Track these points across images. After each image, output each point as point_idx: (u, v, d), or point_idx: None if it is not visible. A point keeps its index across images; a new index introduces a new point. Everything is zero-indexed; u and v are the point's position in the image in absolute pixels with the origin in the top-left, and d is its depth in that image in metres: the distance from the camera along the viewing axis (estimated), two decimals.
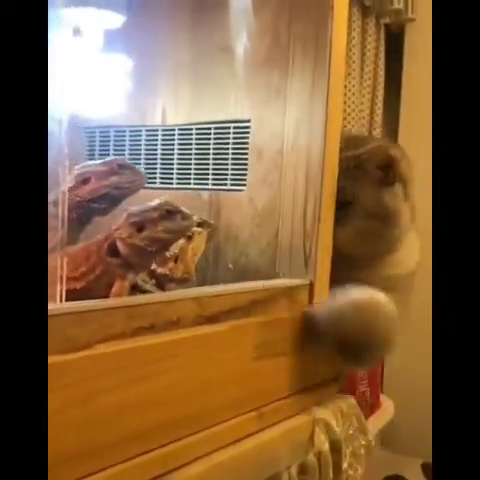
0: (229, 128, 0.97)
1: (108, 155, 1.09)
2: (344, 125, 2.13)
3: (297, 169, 0.90)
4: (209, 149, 0.99)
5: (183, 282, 0.77)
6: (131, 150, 1.07)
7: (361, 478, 0.89)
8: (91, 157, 1.11)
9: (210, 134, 0.99)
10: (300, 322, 0.83)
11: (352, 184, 0.93)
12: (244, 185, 0.95)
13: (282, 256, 0.91)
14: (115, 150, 1.08)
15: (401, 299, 0.90)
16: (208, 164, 0.99)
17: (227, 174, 0.97)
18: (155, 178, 1.05)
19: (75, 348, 0.56)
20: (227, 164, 0.97)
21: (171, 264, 0.77)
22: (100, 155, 1.10)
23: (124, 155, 1.07)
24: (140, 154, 1.06)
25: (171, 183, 1.03)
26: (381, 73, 2.19)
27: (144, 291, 0.73)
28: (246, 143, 0.95)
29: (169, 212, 0.67)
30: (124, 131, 1.07)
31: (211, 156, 0.99)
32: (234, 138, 0.96)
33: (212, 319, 0.71)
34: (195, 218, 0.71)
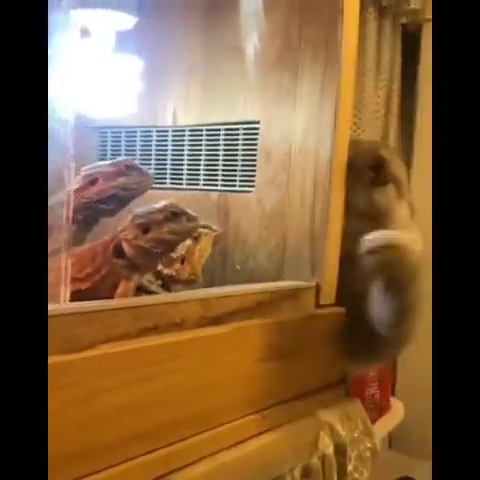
0: (239, 129, 0.97)
1: (119, 155, 1.09)
2: (358, 126, 2.13)
3: (305, 171, 0.90)
4: (219, 150, 0.99)
5: (189, 283, 0.78)
6: (142, 150, 1.08)
7: None
8: (103, 157, 1.12)
9: (220, 135, 0.99)
10: (306, 324, 0.83)
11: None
12: (253, 186, 0.96)
13: (290, 258, 0.91)
14: (126, 150, 1.09)
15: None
16: (217, 165, 0.99)
17: (236, 175, 0.97)
18: (165, 178, 1.05)
19: (78, 348, 0.56)
20: (236, 165, 0.97)
21: (177, 265, 0.77)
22: (112, 155, 1.11)
23: (135, 155, 1.08)
24: (150, 154, 1.07)
25: (181, 183, 1.04)
26: (397, 74, 2.17)
27: (150, 292, 0.73)
28: (255, 144, 0.96)
29: (174, 214, 0.68)
30: (135, 132, 1.08)
31: (221, 157, 0.99)
32: (244, 139, 0.97)
33: (216, 321, 0.71)
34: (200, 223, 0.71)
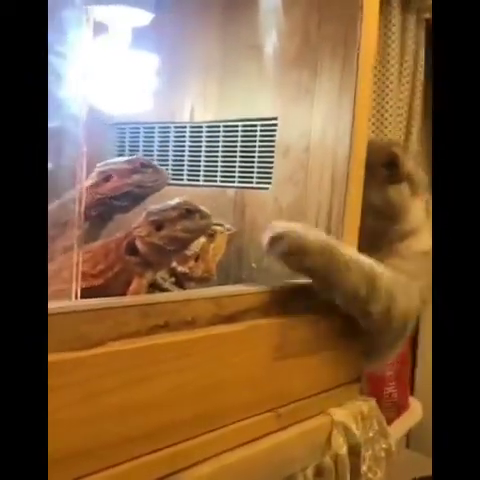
0: (256, 126, 0.97)
1: (137, 151, 1.10)
2: (381, 122, 2.11)
3: (323, 169, 0.89)
4: (236, 146, 0.99)
5: (203, 281, 0.78)
6: (160, 147, 1.08)
7: None
8: (121, 153, 1.12)
9: (237, 131, 0.99)
10: (320, 322, 0.82)
11: None
12: (270, 183, 0.95)
13: None
14: (144, 146, 1.09)
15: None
16: (235, 161, 0.99)
17: (253, 172, 0.97)
18: (182, 175, 1.05)
19: (88, 345, 0.56)
20: (253, 162, 0.97)
21: (191, 263, 0.77)
22: (130, 151, 1.11)
23: (153, 151, 1.08)
24: (168, 151, 1.07)
25: (198, 180, 1.03)
26: (421, 69, 2.15)
27: (163, 289, 0.74)
28: (273, 141, 0.95)
29: (188, 211, 0.67)
30: (153, 128, 1.08)
31: (238, 154, 0.99)
32: (261, 136, 0.96)
33: (230, 319, 0.71)
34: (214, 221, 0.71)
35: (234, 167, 0.99)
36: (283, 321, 0.76)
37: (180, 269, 0.77)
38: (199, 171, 1.03)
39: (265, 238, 0.78)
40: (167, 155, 1.07)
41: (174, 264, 0.78)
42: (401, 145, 1.06)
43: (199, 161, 1.03)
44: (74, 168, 0.61)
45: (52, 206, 0.65)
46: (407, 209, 0.95)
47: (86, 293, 0.65)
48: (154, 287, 0.73)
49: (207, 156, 1.02)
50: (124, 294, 0.66)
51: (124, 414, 0.59)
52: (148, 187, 0.76)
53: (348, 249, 0.83)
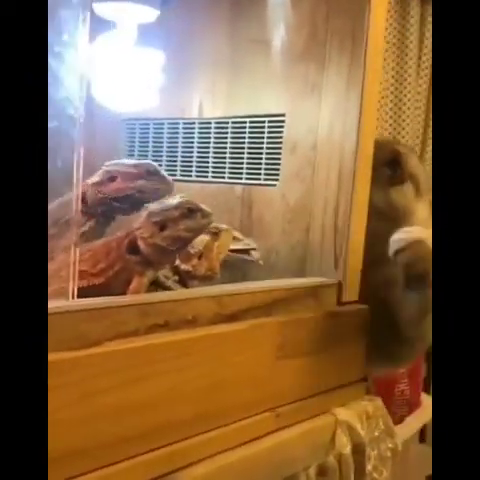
0: (264, 122, 0.96)
1: (147, 147, 1.10)
2: (399, 115, 2.09)
3: (330, 165, 0.88)
4: (244, 143, 0.98)
5: (206, 279, 0.77)
6: (169, 142, 1.07)
7: None
8: (131, 149, 1.12)
9: (245, 128, 0.98)
10: (325, 322, 0.82)
11: None
12: (277, 180, 0.95)
13: (313, 254, 0.90)
14: (154, 142, 1.09)
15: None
16: (242, 158, 0.99)
17: (261, 169, 0.97)
18: (191, 171, 1.05)
19: (86, 345, 0.57)
20: (261, 158, 0.97)
21: (195, 261, 0.77)
22: (140, 147, 1.11)
23: (162, 147, 1.08)
24: (177, 147, 1.07)
25: (206, 176, 1.03)
26: None
27: (165, 287, 0.73)
28: (280, 138, 0.94)
29: (190, 210, 0.67)
30: (163, 124, 1.08)
31: (246, 150, 0.98)
32: (269, 132, 0.96)
33: (231, 318, 0.71)
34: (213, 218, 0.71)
35: (242, 164, 0.99)
36: (286, 320, 0.76)
37: (183, 267, 0.77)
38: (207, 167, 1.03)
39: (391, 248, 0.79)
40: (176, 151, 1.07)
41: (177, 262, 0.78)
42: (405, 144, 1.04)
43: (207, 157, 1.03)
44: (68, 169, 0.60)
45: (52, 205, 0.65)
46: (411, 211, 0.93)
47: (87, 292, 0.65)
48: (156, 285, 0.73)
49: (215, 152, 1.02)
50: (125, 293, 0.66)
51: (121, 413, 0.59)
52: (149, 194, 0.76)
53: None
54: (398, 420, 1.42)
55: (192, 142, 1.05)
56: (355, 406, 0.85)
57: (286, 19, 0.93)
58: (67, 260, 0.60)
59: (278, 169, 0.95)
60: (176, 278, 0.77)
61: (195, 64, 1.04)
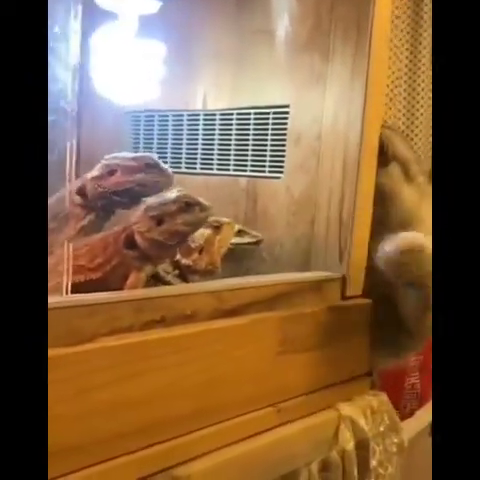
0: (269, 113, 0.95)
1: (152, 139, 1.09)
2: (412, 105, 2.06)
3: (335, 156, 0.87)
4: (249, 135, 0.97)
5: (207, 274, 0.77)
6: (174, 135, 1.07)
7: (391, 477, 0.87)
8: (136, 140, 1.12)
9: (250, 119, 0.97)
10: (329, 316, 0.81)
11: None
12: (282, 173, 0.94)
13: (317, 247, 0.89)
14: (159, 134, 1.09)
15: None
16: (247, 150, 0.98)
17: (265, 161, 0.95)
18: (196, 163, 1.04)
19: (80, 340, 0.56)
20: (266, 150, 0.95)
21: (195, 255, 0.76)
22: (145, 139, 1.10)
23: (167, 139, 1.07)
24: (182, 139, 1.06)
25: (211, 168, 1.02)
26: None
27: (165, 282, 0.73)
28: (285, 129, 0.93)
29: (188, 204, 0.66)
30: (167, 116, 1.07)
31: (250, 142, 0.97)
32: (273, 124, 0.94)
33: (232, 313, 0.70)
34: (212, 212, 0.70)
35: (247, 156, 0.98)
36: (287, 315, 0.75)
37: (184, 261, 0.76)
38: (212, 160, 1.02)
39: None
40: (181, 143, 1.06)
41: (178, 256, 0.77)
42: (392, 126, 1.01)
43: (212, 150, 1.02)
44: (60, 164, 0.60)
45: (51, 200, 0.65)
46: (397, 193, 0.92)
47: (84, 287, 0.65)
48: (156, 280, 0.72)
49: (220, 145, 1.01)
50: (122, 288, 0.66)
51: (117, 409, 0.58)
52: (149, 187, 0.75)
53: None
54: (408, 414, 1.40)
55: (197, 134, 1.04)
56: (359, 401, 0.84)
57: (290, 9, 0.92)
58: (62, 255, 0.59)
59: (283, 161, 0.94)
60: (176, 272, 0.76)
61: (199, 55, 1.03)
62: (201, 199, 0.67)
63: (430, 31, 2.02)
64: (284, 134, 0.93)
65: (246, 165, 0.98)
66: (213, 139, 1.02)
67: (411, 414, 1.41)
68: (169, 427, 0.63)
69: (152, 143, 1.09)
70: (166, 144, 1.07)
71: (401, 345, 0.91)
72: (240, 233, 0.89)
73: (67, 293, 0.58)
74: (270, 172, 0.95)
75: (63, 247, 0.61)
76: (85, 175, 0.76)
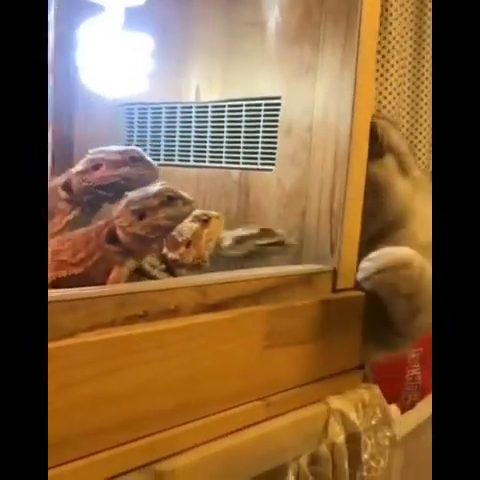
0: (260, 105, 0.94)
1: (145, 132, 1.09)
2: (417, 94, 2.04)
3: (326, 148, 0.86)
4: (241, 127, 0.97)
5: (195, 268, 0.76)
6: (167, 127, 1.06)
7: (383, 470, 0.87)
8: (130, 133, 1.11)
9: (242, 111, 0.96)
10: (318, 309, 0.80)
11: None
12: (273, 164, 0.93)
13: (309, 239, 0.89)
14: (152, 127, 1.08)
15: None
16: (239, 142, 0.97)
17: (257, 153, 0.95)
18: (189, 156, 1.04)
19: (61, 336, 0.56)
20: (258, 143, 0.95)
21: (182, 249, 0.76)
22: (139, 131, 1.10)
23: (160, 132, 1.07)
24: (175, 131, 1.05)
25: (204, 161, 1.02)
26: None
27: (151, 276, 0.73)
28: (277, 121, 0.92)
29: (170, 198, 0.66)
30: (160, 108, 1.07)
31: (242, 134, 0.97)
32: (265, 115, 0.94)
33: (217, 307, 0.70)
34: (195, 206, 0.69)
35: (239, 148, 0.97)
36: (275, 309, 0.74)
37: (170, 256, 0.76)
38: (205, 152, 1.02)
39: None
40: (174, 136, 1.05)
41: (165, 250, 0.77)
42: (386, 117, 1.01)
43: (205, 142, 1.01)
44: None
45: None
46: (391, 185, 0.91)
47: (67, 282, 0.65)
48: (142, 274, 0.72)
49: (213, 137, 1.01)
50: (104, 283, 0.66)
51: (100, 404, 0.58)
52: (134, 181, 0.75)
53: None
54: (409, 405, 1.40)
55: (190, 127, 1.03)
56: (350, 394, 0.84)
57: (280, 1, 0.91)
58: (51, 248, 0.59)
59: (274, 153, 0.93)
60: (163, 267, 0.76)
61: (190, 47, 1.02)
62: (184, 193, 0.67)
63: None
64: (276, 126, 0.92)
65: (238, 157, 0.97)
66: (205, 131, 1.01)
67: (412, 406, 1.40)
68: (152, 422, 0.63)
69: (145, 136, 1.09)
70: (159, 137, 1.07)
71: (390, 343, 0.90)
72: (268, 233, 0.87)
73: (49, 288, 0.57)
74: (262, 164, 0.94)
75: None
76: (70, 170, 0.76)
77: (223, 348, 0.69)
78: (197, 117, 1.02)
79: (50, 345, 0.55)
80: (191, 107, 1.03)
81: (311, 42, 0.87)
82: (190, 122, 1.03)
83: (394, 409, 1.33)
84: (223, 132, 0.99)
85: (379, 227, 0.92)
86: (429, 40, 2.00)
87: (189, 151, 1.03)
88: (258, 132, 0.95)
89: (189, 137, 1.03)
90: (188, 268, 0.76)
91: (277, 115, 0.92)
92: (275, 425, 0.73)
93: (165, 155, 1.06)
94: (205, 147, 1.01)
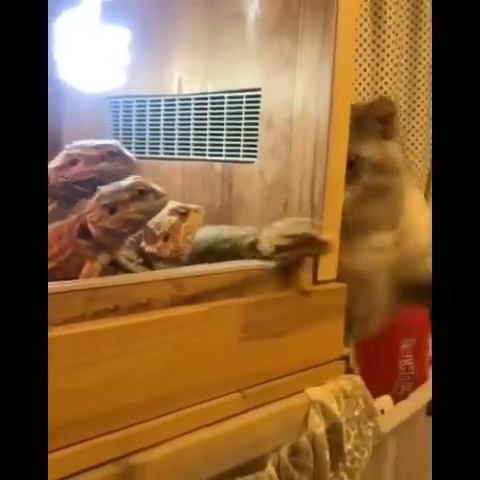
0: (242, 97, 0.94)
1: (131, 125, 1.09)
2: (413, 83, 2.03)
3: (306, 140, 0.86)
4: (223, 119, 0.97)
5: (172, 261, 0.76)
6: (151, 120, 1.06)
7: (367, 461, 0.87)
8: (115, 126, 1.11)
9: (224, 103, 0.96)
10: (298, 301, 0.80)
11: (354, 140, 0.89)
12: (256, 156, 0.93)
13: None
14: (137, 120, 1.08)
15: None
16: (222, 135, 0.97)
17: (240, 145, 0.95)
18: (173, 149, 1.04)
19: None
20: (240, 134, 0.95)
21: (160, 243, 0.76)
22: (124, 124, 1.10)
23: (145, 125, 1.07)
24: (159, 124, 1.05)
25: (188, 154, 1.02)
26: None
27: (127, 270, 0.73)
28: (258, 113, 0.92)
29: (142, 192, 0.66)
30: (145, 101, 1.07)
31: (225, 126, 0.96)
32: (246, 107, 0.93)
33: (191, 300, 0.70)
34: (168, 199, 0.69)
35: (222, 141, 0.97)
36: (252, 301, 0.75)
37: (148, 249, 0.76)
38: (189, 145, 1.01)
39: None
40: (158, 128, 1.05)
41: (143, 244, 0.77)
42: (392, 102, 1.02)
43: (188, 135, 1.01)
44: None
45: None
46: (403, 167, 0.94)
47: None
48: (118, 268, 0.72)
49: (196, 129, 1.00)
50: (77, 278, 0.66)
51: (71, 398, 0.59)
52: (113, 176, 0.75)
53: None
54: (403, 396, 1.40)
55: (173, 119, 1.03)
56: (332, 385, 0.84)
57: None
58: None
59: (256, 145, 0.93)
60: (141, 260, 0.76)
61: (172, 40, 1.02)
62: (156, 186, 0.67)
63: (430, 17, 1.99)
64: (257, 118, 0.92)
65: (221, 150, 0.97)
66: (189, 124, 1.01)
67: (405, 396, 1.40)
68: (126, 415, 0.63)
69: (131, 129, 1.09)
70: (144, 130, 1.07)
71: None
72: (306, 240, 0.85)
73: None
74: (244, 156, 0.94)
75: None
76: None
77: (198, 341, 0.69)
78: (180, 110, 1.02)
79: None
80: (175, 100, 1.02)
81: (290, 34, 0.87)
82: (174, 115, 1.03)
83: (387, 399, 1.33)
84: (206, 124, 0.99)
85: (394, 204, 0.94)
86: (425, 28, 1.99)
87: (173, 144, 1.03)
88: (240, 124, 0.94)
89: (173, 130, 1.03)
90: (166, 261, 0.76)
91: (258, 107, 0.92)
92: (253, 417, 0.74)
93: (150, 148, 1.06)
94: (189, 140, 1.01)
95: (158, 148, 1.05)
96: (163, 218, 0.77)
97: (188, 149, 1.01)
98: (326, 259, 0.85)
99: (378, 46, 1.95)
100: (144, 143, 1.07)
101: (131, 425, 0.64)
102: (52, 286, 0.60)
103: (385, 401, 1.31)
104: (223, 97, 0.96)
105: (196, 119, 1.00)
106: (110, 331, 0.61)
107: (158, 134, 1.05)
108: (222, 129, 0.97)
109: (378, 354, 1.36)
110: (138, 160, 0.79)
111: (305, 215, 0.86)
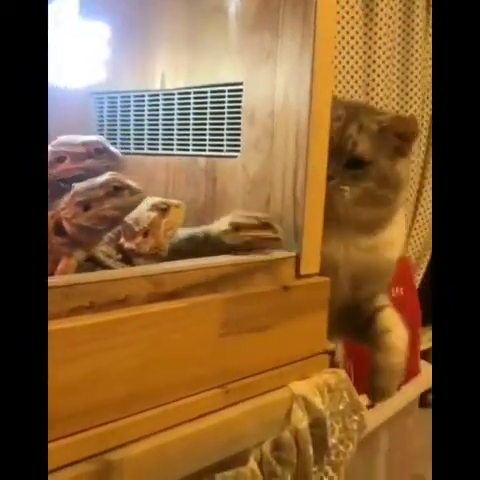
0: (224, 92, 0.93)
1: (115, 121, 1.08)
2: (406, 76, 2.02)
3: (287, 134, 0.86)
4: (206, 114, 0.96)
5: (152, 257, 0.76)
6: (135, 116, 1.06)
7: (352, 454, 0.87)
8: (100, 122, 1.11)
9: (207, 98, 0.96)
10: (280, 296, 0.80)
11: (374, 147, 0.93)
12: (239, 151, 0.93)
13: None
14: (121, 116, 1.08)
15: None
16: (205, 129, 0.96)
17: (223, 140, 0.94)
18: (157, 144, 1.03)
19: None
20: (223, 129, 0.94)
21: (139, 239, 0.76)
22: (108, 120, 1.10)
23: (129, 120, 1.07)
24: (143, 119, 1.05)
25: (172, 149, 1.01)
26: None
27: (105, 267, 0.73)
28: (240, 107, 0.92)
29: (116, 188, 0.66)
30: (129, 97, 1.06)
31: (208, 121, 0.96)
32: (229, 102, 0.93)
33: (170, 296, 0.70)
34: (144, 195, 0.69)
35: (205, 135, 0.97)
36: (232, 296, 0.74)
37: (127, 245, 0.76)
38: (173, 140, 1.01)
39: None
40: (143, 124, 1.05)
41: (122, 240, 0.76)
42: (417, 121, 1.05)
43: (172, 130, 1.01)
44: None
45: None
46: (406, 185, 1.00)
47: None
48: (96, 264, 0.72)
49: (179, 124, 1.00)
50: (52, 275, 0.66)
51: (48, 395, 0.59)
52: (100, 173, 0.74)
53: None
54: None
55: (157, 114, 1.03)
56: (315, 379, 0.83)
57: None
58: None
59: (239, 140, 0.92)
60: (120, 257, 0.76)
61: (154, 35, 1.01)
62: (131, 182, 0.67)
63: (424, 14, 1.98)
64: (240, 112, 0.92)
65: (205, 145, 0.97)
66: (172, 119, 1.01)
67: (397, 389, 1.40)
68: (103, 411, 0.63)
69: (116, 124, 1.08)
70: (128, 125, 1.06)
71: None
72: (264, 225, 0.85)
73: None
74: (228, 151, 0.94)
75: None
76: None
77: (177, 337, 0.69)
78: (164, 105, 1.02)
79: None
80: (158, 95, 1.02)
81: (271, 28, 0.86)
82: (157, 110, 1.03)
83: None
84: (189, 119, 0.98)
85: (386, 216, 0.98)
86: (418, 19, 1.98)
87: (157, 139, 1.03)
88: (223, 119, 0.94)
89: (157, 125, 1.03)
90: (145, 258, 0.76)
91: (241, 102, 0.92)
92: (234, 412, 0.74)
93: (135, 144, 1.06)
94: (172, 135, 1.01)
95: (142, 144, 1.05)
96: (142, 214, 0.76)
97: (172, 144, 1.01)
98: (309, 253, 0.84)
99: (370, 38, 1.95)
100: (129, 139, 1.06)
101: (109, 422, 0.64)
102: None
103: None
104: (206, 92, 0.95)
105: (179, 114, 1.00)
106: (86, 328, 0.61)
107: (142, 130, 1.05)
108: (205, 124, 0.96)
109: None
110: (123, 156, 0.78)
111: (288, 210, 0.86)
